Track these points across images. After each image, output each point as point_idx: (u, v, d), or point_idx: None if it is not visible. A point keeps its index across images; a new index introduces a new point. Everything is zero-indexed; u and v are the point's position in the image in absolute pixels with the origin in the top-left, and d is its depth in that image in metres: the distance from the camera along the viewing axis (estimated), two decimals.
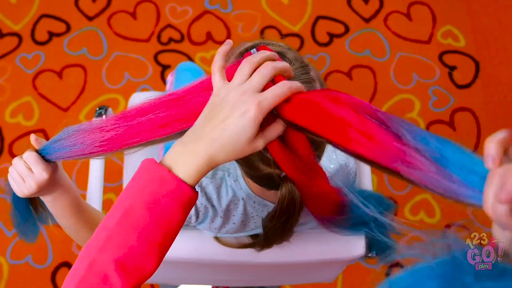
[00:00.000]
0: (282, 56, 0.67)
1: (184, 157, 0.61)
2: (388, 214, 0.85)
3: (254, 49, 0.66)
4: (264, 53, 0.62)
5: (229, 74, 0.63)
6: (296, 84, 0.60)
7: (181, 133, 0.64)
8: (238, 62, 0.63)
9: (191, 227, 0.92)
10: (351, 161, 0.94)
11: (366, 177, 1.12)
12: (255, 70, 0.61)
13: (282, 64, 0.61)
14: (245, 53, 0.67)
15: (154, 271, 0.61)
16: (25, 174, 0.74)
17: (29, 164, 0.74)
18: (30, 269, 1.61)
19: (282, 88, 0.60)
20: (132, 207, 0.60)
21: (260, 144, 0.61)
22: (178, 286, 1.45)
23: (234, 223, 0.87)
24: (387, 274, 1.65)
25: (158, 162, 0.62)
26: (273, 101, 0.59)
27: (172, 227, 0.61)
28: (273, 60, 0.62)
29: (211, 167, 0.62)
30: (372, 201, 0.82)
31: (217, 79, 0.63)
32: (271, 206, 0.84)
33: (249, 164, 0.71)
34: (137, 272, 0.59)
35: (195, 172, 0.61)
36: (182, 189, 0.60)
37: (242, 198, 0.84)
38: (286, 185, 0.70)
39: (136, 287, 0.60)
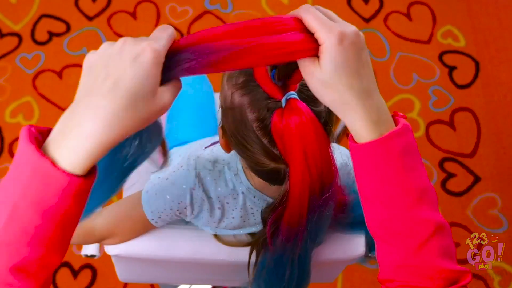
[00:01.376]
0: None
1: (68, 141, 0.48)
2: None
3: None
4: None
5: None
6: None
7: None
8: None
9: (192, 227, 0.92)
10: (351, 162, 0.94)
11: None
12: None
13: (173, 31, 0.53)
14: None
15: (60, 262, 0.54)
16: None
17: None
18: None
19: (169, 28, 0.52)
20: (17, 209, 0.49)
21: (166, 96, 0.51)
22: (178, 286, 1.45)
23: (233, 218, 0.87)
24: None
25: (38, 146, 0.49)
26: (168, 40, 0.51)
27: (70, 220, 0.52)
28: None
29: (111, 145, 0.49)
30: None
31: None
32: (271, 202, 0.84)
33: (253, 159, 0.69)
34: (41, 270, 0.52)
35: (85, 160, 0.48)
36: (73, 183, 0.48)
37: (242, 192, 0.84)
38: None
39: (45, 281, 0.53)
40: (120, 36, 1.96)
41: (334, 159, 0.65)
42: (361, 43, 0.55)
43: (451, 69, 1.96)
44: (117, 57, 0.49)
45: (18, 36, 1.95)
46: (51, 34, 1.96)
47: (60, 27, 1.97)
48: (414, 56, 1.98)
